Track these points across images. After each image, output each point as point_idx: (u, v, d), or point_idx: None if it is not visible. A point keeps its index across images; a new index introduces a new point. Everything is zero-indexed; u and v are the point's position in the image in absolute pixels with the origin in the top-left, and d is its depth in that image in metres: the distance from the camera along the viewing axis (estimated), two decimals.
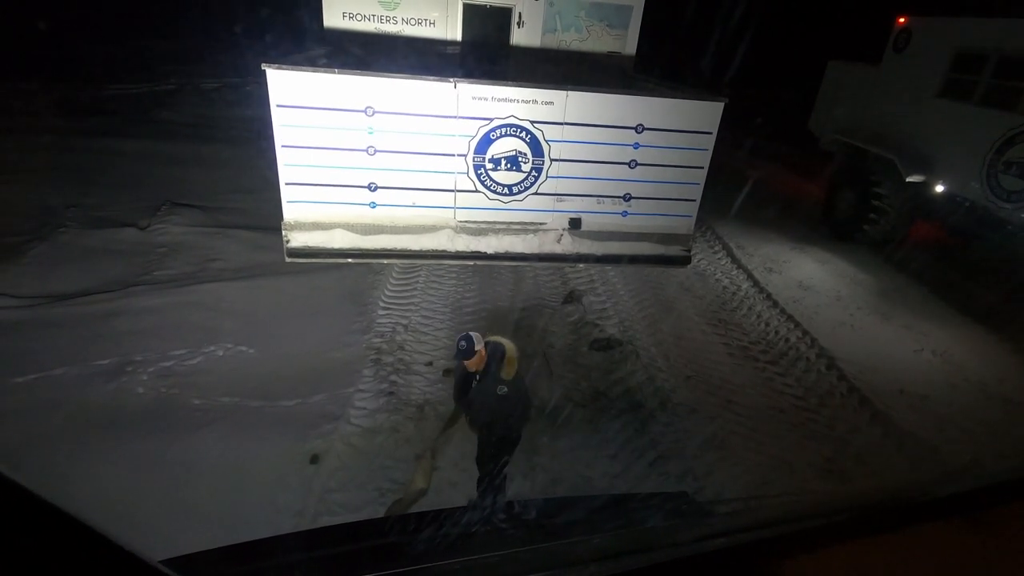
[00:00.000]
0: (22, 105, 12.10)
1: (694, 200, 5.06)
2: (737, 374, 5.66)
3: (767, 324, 6.57)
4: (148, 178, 8.81)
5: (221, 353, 5.10)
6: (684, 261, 5.37)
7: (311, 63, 5.36)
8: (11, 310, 5.34)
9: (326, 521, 3.69)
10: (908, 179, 7.78)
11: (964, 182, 7.31)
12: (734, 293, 7.29)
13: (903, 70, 8.21)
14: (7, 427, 4.06)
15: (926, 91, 7.80)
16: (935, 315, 7.06)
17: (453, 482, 3.96)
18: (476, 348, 3.24)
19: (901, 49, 8.25)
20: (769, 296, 7.11)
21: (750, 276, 7.65)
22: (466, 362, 3.28)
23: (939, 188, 7.68)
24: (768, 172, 12.76)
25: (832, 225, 9.34)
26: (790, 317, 6.62)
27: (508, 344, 3.40)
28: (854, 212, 8.77)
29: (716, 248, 8.61)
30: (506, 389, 3.32)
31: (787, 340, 6.24)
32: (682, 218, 5.13)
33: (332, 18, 6.61)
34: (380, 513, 3.74)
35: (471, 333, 3.31)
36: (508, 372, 3.32)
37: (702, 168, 4.95)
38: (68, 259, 6.38)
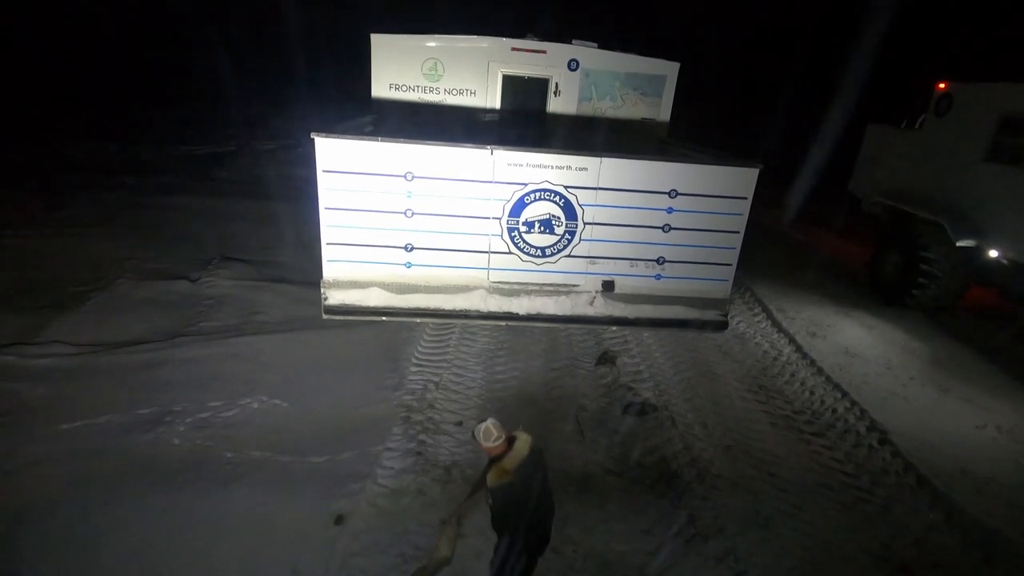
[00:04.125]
0: (100, 163, 13.24)
1: (730, 264, 4.99)
2: (780, 446, 5.36)
3: (811, 392, 6.26)
4: (203, 233, 9.34)
5: (256, 406, 5.19)
6: (721, 326, 5.24)
7: (358, 130, 5.69)
8: (67, 357, 5.63)
9: None
10: (959, 243, 7.50)
11: (1020, 247, 6.99)
12: (775, 358, 7.01)
13: (947, 134, 8.09)
14: (50, 473, 4.18)
15: (973, 155, 7.63)
16: (998, 388, 6.59)
17: (479, 552, 3.81)
18: (484, 444, 2.95)
19: (943, 114, 8.17)
20: (813, 362, 6.80)
21: (792, 340, 7.37)
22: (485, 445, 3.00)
23: (993, 253, 7.36)
24: (807, 233, 12.54)
25: (879, 289, 9.00)
26: (837, 386, 6.29)
27: (520, 441, 3.02)
28: (902, 276, 8.45)
29: (755, 310, 8.38)
30: (491, 500, 2.96)
31: (834, 410, 5.91)
32: (718, 282, 5.05)
33: (380, 89, 7.07)
34: None
35: (490, 423, 2.99)
36: (492, 479, 2.94)
37: (738, 232, 4.91)
38: (123, 309, 6.72)
